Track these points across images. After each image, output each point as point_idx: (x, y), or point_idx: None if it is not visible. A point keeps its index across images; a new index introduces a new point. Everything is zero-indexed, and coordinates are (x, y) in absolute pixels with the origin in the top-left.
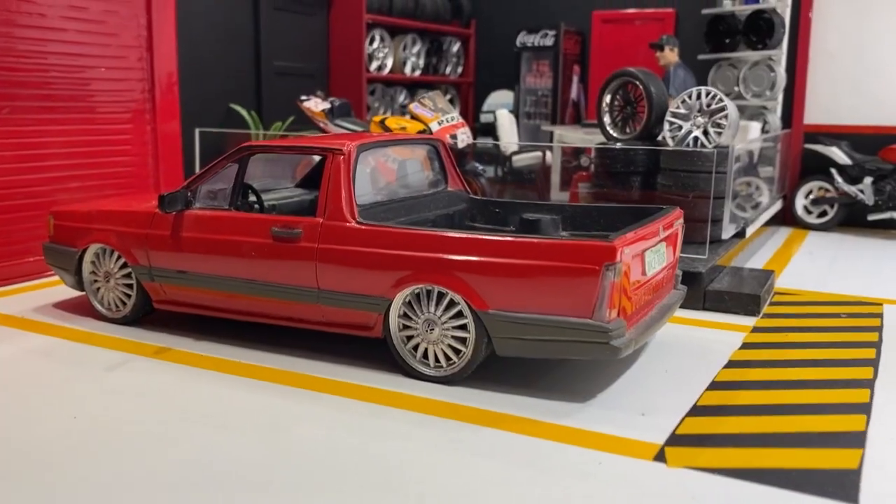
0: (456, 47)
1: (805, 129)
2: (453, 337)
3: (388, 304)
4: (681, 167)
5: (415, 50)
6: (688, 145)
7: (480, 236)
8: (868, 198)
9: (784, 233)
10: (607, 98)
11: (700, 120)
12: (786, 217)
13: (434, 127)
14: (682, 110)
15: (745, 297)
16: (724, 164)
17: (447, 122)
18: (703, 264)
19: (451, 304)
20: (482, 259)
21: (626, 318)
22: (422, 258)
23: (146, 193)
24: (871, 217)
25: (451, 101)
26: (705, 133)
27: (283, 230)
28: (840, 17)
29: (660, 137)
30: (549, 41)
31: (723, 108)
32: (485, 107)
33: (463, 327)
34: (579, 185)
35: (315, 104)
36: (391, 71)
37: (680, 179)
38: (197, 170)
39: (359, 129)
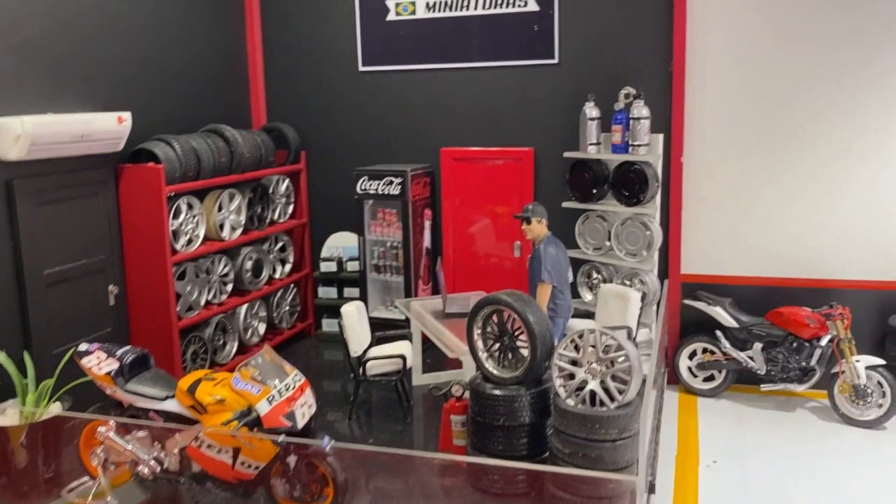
0: (284, 185)
1: (683, 279)
2: None
3: None
4: (578, 434)
5: (233, 206)
6: (584, 400)
7: None
8: (759, 366)
9: (671, 400)
10: (478, 326)
11: (595, 367)
12: (669, 376)
13: (263, 408)
14: (572, 353)
15: None
16: (633, 427)
17: (279, 395)
18: None
19: None
20: None
21: None
22: None
23: None
24: (765, 388)
25: (282, 248)
26: (602, 384)
27: None
28: (713, 162)
29: (546, 377)
30: (395, 189)
31: (622, 358)
32: (324, 251)
33: None
34: (452, 420)
35: (97, 364)
36: (205, 240)
37: (579, 448)
38: None
39: (161, 395)
